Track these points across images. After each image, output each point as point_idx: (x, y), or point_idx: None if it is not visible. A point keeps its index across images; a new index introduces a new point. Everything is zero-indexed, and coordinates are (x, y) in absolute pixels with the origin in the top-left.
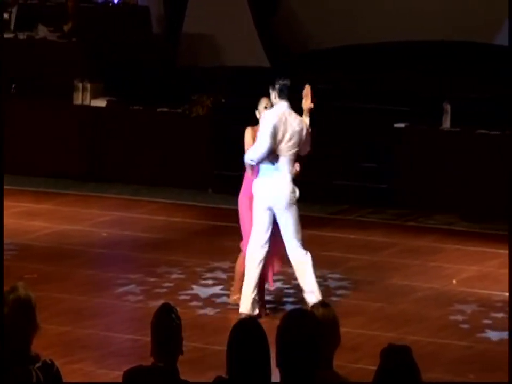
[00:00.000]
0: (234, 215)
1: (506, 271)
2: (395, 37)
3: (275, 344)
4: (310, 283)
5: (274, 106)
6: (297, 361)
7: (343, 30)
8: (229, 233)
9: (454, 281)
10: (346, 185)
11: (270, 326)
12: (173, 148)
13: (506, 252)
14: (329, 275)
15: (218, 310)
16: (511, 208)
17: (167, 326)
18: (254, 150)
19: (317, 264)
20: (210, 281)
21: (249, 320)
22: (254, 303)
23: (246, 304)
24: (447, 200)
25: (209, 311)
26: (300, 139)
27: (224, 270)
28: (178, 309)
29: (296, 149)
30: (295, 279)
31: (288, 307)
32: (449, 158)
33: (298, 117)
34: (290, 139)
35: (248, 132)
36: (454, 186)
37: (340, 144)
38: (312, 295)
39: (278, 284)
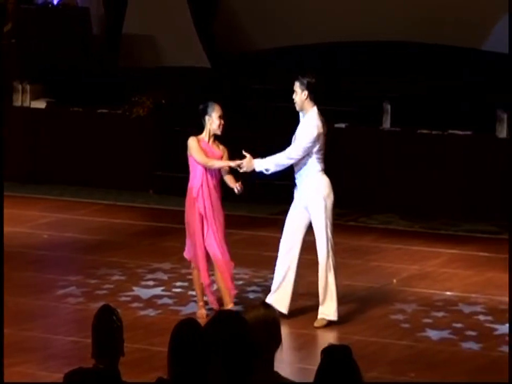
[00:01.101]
0: (175, 216)
1: (447, 270)
2: (335, 37)
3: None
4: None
5: (308, 112)
6: (223, 363)
7: (283, 31)
8: (170, 234)
9: (394, 280)
10: (288, 185)
11: None
12: (113, 149)
13: (447, 250)
14: (270, 275)
15: (159, 311)
16: (511, 209)
17: (107, 327)
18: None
19: (258, 265)
20: (151, 283)
21: (190, 321)
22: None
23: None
24: (387, 199)
25: (151, 312)
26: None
27: (165, 271)
28: (119, 310)
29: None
30: (237, 279)
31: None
32: (390, 158)
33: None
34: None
35: (194, 141)
36: (394, 186)
37: (280, 144)
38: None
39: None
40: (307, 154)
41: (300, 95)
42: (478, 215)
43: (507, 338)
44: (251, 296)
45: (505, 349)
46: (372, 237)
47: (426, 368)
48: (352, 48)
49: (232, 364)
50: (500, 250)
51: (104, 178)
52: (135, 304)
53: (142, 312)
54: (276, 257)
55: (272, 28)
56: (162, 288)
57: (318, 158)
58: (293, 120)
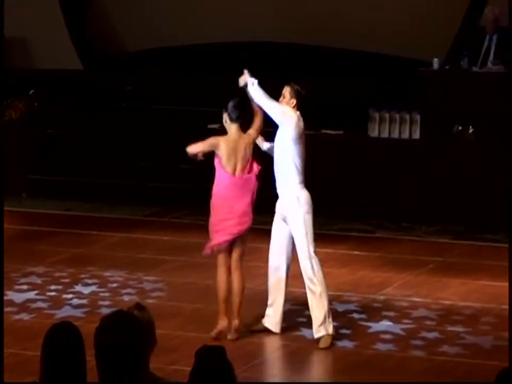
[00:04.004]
0: (48, 219)
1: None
2: (208, 39)
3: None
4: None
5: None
6: (114, 363)
7: (154, 32)
8: (44, 238)
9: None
10: (162, 187)
11: (86, 329)
12: None
13: (320, 250)
14: (145, 277)
15: (33, 315)
16: (511, 214)
17: None
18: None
19: (132, 267)
20: (25, 287)
21: (63, 325)
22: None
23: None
24: (264, 200)
25: (24, 316)
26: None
27: (38, 275)
28: None
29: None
30: (111, 282)
31: (104, 310)
32: (262, 158)
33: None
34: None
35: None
36: (269, 186)
37: (156, 146)
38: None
39: (94, 288)
40: (288, 161)
41: (287, 101)
42: (352, 214)
43: (381, 336)
44: (126, 298)
45: (379, 346)
46: (250, 237)
47: (300, 367)
48: (227, 48)
49: (125, 362)
50: (373, 249)
51: None
52: (8, 309)
53: (16, 317)
54: (150, 259)
55: (142, 29)
56: (36, 291)
57: (297, 168)
58: (165, 121)
